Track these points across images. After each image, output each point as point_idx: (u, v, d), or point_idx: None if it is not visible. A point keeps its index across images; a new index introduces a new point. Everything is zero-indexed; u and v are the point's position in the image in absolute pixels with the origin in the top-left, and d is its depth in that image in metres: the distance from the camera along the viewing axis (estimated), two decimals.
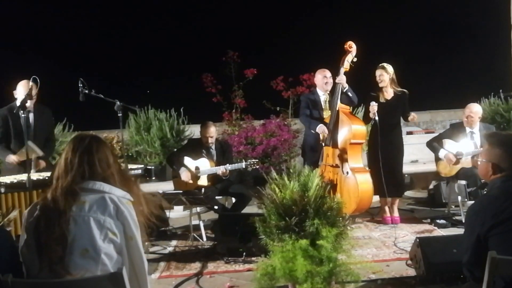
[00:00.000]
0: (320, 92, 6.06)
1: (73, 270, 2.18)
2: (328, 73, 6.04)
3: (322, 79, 6.04)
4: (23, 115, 4.51)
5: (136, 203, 2.40)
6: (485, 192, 3.52)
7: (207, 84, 8.65)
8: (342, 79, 5.77)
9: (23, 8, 11.86)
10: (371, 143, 5.90)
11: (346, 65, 5.79)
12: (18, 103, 4.94)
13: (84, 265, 2.20)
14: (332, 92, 5.91)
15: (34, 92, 4.93)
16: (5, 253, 2.24)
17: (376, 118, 5.67)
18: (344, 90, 5.80)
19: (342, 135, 5.71)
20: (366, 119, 5.91)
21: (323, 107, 6.00)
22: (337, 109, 5.73)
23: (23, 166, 4.87)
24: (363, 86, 6.29)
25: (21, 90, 5.06)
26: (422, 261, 3.86)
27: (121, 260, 2.30)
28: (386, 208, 5.93)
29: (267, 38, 12.36)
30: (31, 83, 4.81)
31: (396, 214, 5.93)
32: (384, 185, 5.62)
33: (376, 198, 5.95)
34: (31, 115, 5.26)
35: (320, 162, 5.81)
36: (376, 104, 5.68)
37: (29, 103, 5.06)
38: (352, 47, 5.82)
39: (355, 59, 5.81)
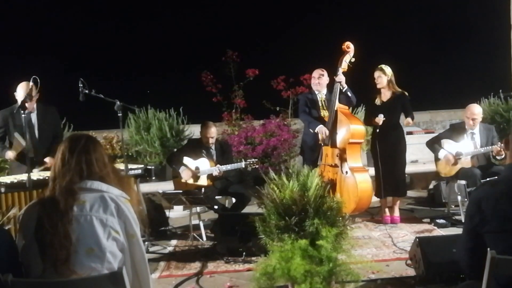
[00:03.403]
0: (316, 91, 6.06)
1: (79, 269, 2.20)
2: (316, 73, 6.04)
3: (312, 80, 6.11)
4: (23, 115, 4.55)
5: (132, 202, 2.42)
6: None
7: (207, 83, 8.64)
8: (341, 78, 5.76)
9: (23, 8, 11.86)
10: (371, 146, 5.91)
11: (344, 65, 5.79)
12: (18, 104, 5.05)
13: (90, 264, 2.21)
14: (331, 91, 5.92)
15: (34, 92, 5.00)
16: (4, 253, 2.24)
17: (377, 130, 5.71)
18: (343, 90, 5.80)
19: (341, 134, 5.71)
20: (367, 122, 5.92)
21: (320, 106, 6.00)
22: (335, 109, 5.74)
23: (23, 162, 4.88)
24: (362, 87, 6.29)
25: (21, 91, 5.14)
26: (421, 261, 3.86)
27: (124, 259, 2.31)
28: (386, 208, 5.93)
29: (266, 38, 12.34)
30: (31, 83, 4.85)
31: (396, 214, 5.92)
32: (383, 186, 5.62)
33: (376, 197, 5.96)
34: (33, 116, 5.31)
35: (319, 162, 5.81)
36: (384, 118, 5.66)
37: (29, 104, 5.10)
38: (349, 47, 5.81)
39: (353, 60, 5.81)
